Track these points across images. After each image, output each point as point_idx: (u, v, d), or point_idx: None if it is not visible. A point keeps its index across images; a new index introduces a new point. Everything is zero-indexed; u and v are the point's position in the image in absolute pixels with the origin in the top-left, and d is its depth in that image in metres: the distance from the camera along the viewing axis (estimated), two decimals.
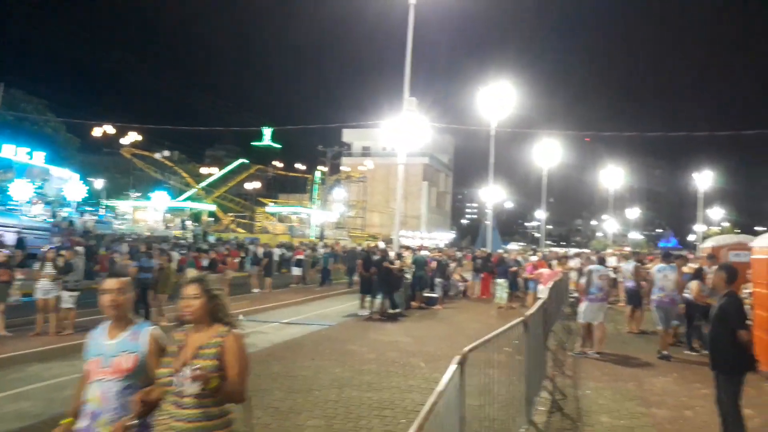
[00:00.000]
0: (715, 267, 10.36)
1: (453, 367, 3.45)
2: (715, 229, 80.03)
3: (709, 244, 12.34)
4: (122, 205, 53.00)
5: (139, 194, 55.69)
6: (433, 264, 18.15)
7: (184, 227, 44.58)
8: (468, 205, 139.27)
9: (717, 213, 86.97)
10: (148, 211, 50.78)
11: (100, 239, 29.15)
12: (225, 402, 2.97)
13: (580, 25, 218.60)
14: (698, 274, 10.81)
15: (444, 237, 73.19)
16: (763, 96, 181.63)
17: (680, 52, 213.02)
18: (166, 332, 3.25)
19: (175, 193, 55.04)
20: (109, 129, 51.09)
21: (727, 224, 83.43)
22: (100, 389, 3.09)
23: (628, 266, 13.95)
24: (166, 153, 57.31)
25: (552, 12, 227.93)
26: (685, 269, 12.12)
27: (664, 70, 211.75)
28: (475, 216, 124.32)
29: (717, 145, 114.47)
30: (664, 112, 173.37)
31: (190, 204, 54.20)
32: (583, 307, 10.55)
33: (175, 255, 20.19)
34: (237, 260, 26.82)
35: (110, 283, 3.23)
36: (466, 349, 3.87)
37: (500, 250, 34.95)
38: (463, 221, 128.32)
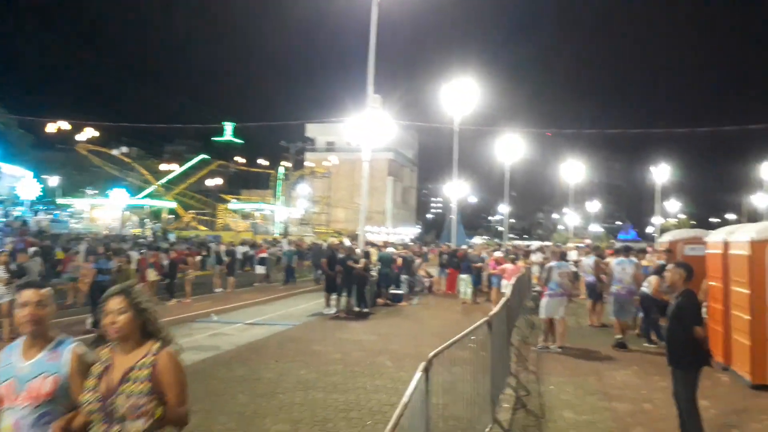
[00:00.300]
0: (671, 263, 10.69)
1: (418, 375, 3.43)
2: (672, 220, 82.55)
3: (666, 238, 12.65)
4: (78, 204, 51.40)
5: (96, 192, 54.17)
6: (399, 261, 18.17)
7: (143, 225, 43.53)
8: (433, 199, 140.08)
9: (674, 205, 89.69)
10: (106, 210, 49.41)
11: (56, 239, 28.21)
12: (166, 428, 2.64)
13: (541, 23, 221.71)
14: (660, 270, 11.10)
15: (409, 232, 73.52)
16: (716, 93, 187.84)
17: (638, 50, 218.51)
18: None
19: (134, 191, 53.70)
20: (64, 125, 49.53)
21: (683, 216, 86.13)
22: (14, 418, 2.70)
23: (589, 261, 14.24)
24: (124, 149, 55.89)
25: (513, 9, 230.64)
26: (644, 262, 12.46)
27: (622, 67, 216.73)
28: (440, 210, 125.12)
29: (673, 140, 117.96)
30: (623, 108, 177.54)
31: (149, 201, 52.96)
32: (543, 302, 10.75)
33: (135, 255, 19.67)
34: (198, 259, 26.39)
35: (28, 294, 2.79)
36: (431, 354, 3.86)
37: (465, 245, 35.32)
38: (429, 216, 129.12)
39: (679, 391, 5.52)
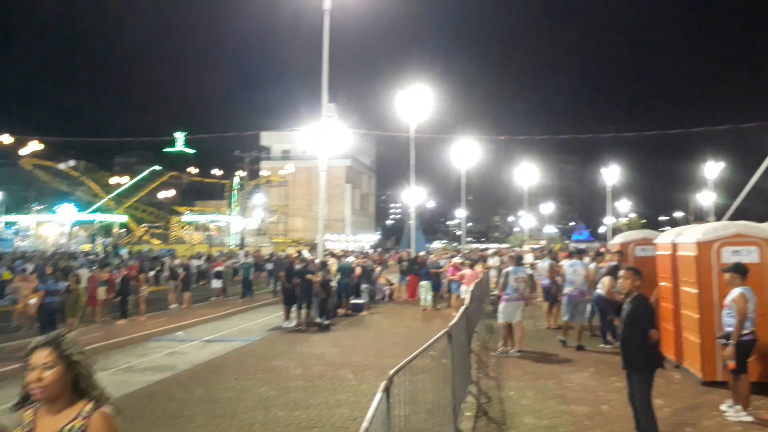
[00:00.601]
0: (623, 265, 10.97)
1: (378, 395, 3.38)
2: (624, 220, 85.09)
3: (618, 240, 12.98)
4: (24, 220, 49.43)
5: (42, 208, 52.19)
6: (359, 270, 18.11)
7: (93, 241, 42.11)
8: (392, 205, 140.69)
9: (624, 205, 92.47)
10: (53, 226, 47.65)
11: (0, 259, 27.04)
12: None
13: (494, 32, 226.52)
14: (614, 271, 11.39)
15: (369, 239, 73.46)
16: (660, 98, 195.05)
17: (586, 58, 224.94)
18: None
19: (83, 205, 51.97)
20: (6, 139, 47.53)
21: (634, 215, 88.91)
22: None
23: (544, 264, 14.50)
24: (71, 163, 53.92)
25: (467, 18, 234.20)
26: (603, 264, 12.79)
27: (572, 74, 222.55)
28: (399, 216, 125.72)
29: (622, 142, 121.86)
30: (573, 111, 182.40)
31: (99, 216, 51.33)
32: (501, 307, 10.86)
33: (84, 273, 19.01)
34: (152, 274, 25.70)
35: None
36: (392, 372, 3.82)
37: (424, 251, 35.51)
38: (388, 222, 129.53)
39: (634, 394, 5.64)
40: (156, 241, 51.03)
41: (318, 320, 14.50)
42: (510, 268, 11.17)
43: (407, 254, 25.76)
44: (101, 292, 16.57)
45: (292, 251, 31.18)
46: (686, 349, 8.52)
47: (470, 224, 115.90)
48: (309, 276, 14.58)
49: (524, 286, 11.14)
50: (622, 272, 6.02)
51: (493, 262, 21.78)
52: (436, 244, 75.46)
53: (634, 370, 5.62)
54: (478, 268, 16.82)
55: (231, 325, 15.84)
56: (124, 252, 34.97)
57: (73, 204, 49.15)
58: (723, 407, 6.74)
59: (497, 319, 11.23)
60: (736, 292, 6.49)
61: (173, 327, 15.10)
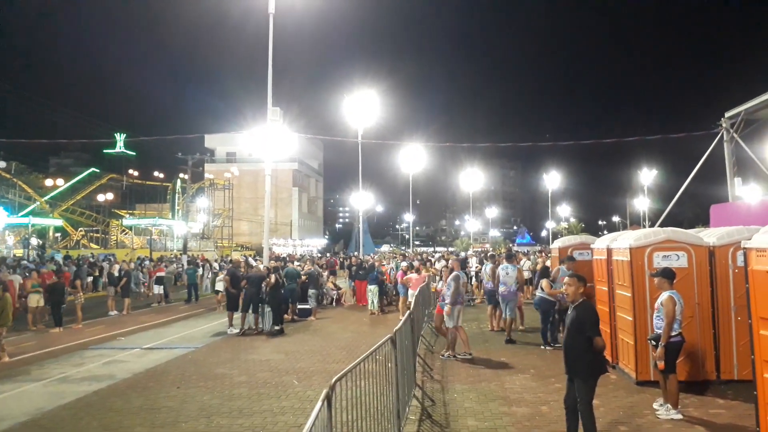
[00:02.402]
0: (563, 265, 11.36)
1: (318, 405, 3.38)
2: (564, 224, 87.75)
3: (557, 244, 13.44)
4: None
5: None
6: (304, 278, 18.00)
7: (26, 246, 40.05)
8: (340, 209, 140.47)
9: (565, 210, 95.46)
10: None
11: None
12: None
13: (437, 38, 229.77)
14: (545, 272, 11.80)
15: (317, 243, 73.05)
16: (599, 107, 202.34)
17: (526, 66, 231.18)
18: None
19: (15, 208, 49.45)
20: None
21: (573, 220, 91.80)
22: None
23: (485, 268, 14.81)
24: (2, 164, 51.11)
25: (412, 25, 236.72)
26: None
27: (513, 83, 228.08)
28: (348, 220, 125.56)
29: (562, 149, 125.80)
30: (516, 119, 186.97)
31: (32, 219, 48.91)
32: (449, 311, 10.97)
33: (17, 278, 18.14)
34: (90, 280, 24.79)
35: None
36: (333, 380, 3.83)
37: (372, 254, 35.59)
38: (337, 225, 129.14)
39: (574, 398, 5.71)
40: (94, 246, 49.08)
41: (276, 328, 14.27)
42: (457, 272, 11.29)
43: (355, 259, 25.74)
44: (32, 299, 15.84)
45: (237, 256, 30.65)
46: (621, 350, 8.89)
47: (418, 228, 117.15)
48: (270, 277, 14.43)
49: (463, 290, 11.42)
50: (566, 279, 6.01)
51: (439, 266, 22.06)
52: (385, 248, 75.80)
53: (577, 376, 5.64)
54: (425, 272, 17.00)
55: (173, 332, 15.43)
56: (58, 257, 33.44)
57: (1, 207, 46.65)
58: (655, 406, 7.06)
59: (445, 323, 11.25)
60: (664, 295, 6.82)
61: (112, 335, 14.59)
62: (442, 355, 10.70)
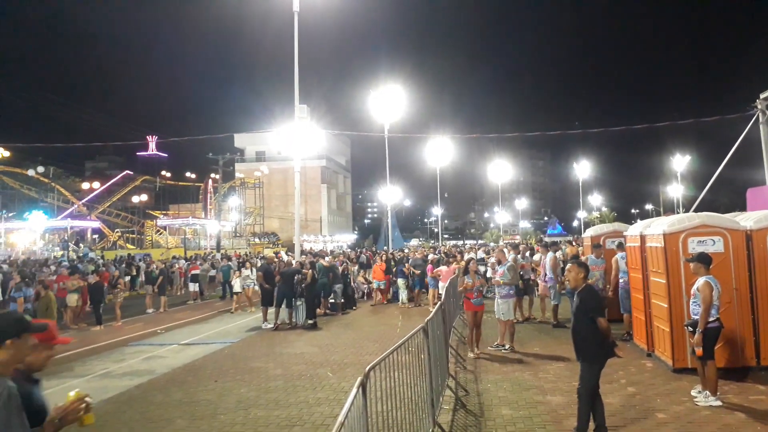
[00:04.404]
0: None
1: (354, 391, 3.44)
2: (596, 213, 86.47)
3: (589, 233, 13.29)
4: None
5: (11, 215, 50.98)
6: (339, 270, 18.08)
7: (66, 248, 41.27)
8: (369, 204, 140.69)
9: (596, 199, 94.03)
10: (24, 233, 46.62)
11: None
12: None
13: (465, 31, 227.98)
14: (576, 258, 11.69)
15: (346, 239, 73.42)
16: (628, 93, 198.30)
17: (556, 56, 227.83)
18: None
19: (54, 212, 50.94)
20: None
21: (605, 209, 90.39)
22: None
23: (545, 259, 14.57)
24: (40, 169, 52.66)
25: (439, 18, 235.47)
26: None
27: (541, 72, 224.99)
28: (376, 215, 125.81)
29: (592, 138, 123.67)
30: (544, 108, 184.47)
31: (71, 222, 50.34)
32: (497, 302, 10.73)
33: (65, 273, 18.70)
34: (127, 279, 25.37)
35: None
36: (368, 367, 3.89)
37: (401, 248, 35.65)
38: (366, 221, 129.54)
39: (581, 380, 5.66)
40: (130, 246, 50.27)
41: (310, 322, 14.46)
42: (511, 263, 11.06)
43: (384, 253, 25.77)
44: (71, 299, 16.33)
45: (269, 253, 31.02)
46: (657, 338, 8.76)
47: (447, 221, 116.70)
48: (306, 270, 14.62)
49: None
50: (568, 266, 6.07)
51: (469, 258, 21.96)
52: (414, 242, 75.77)
53: (584, 360, 5.69)
54: (455, 265, 16.96)
55: (209, 327, 15.75)
56: (92, 256, 34.34)
57: (42, 211, 48.11)
58: (693, 393, 6.96)
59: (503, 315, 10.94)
60: (701, 281, 6.71)
61: (150, 332, 14.96)
62: (491, 347, 10.54)
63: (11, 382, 2.45)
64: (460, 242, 75.84)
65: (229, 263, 24.64)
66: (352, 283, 19.65)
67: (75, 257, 34.79)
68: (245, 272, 18.82)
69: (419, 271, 17.99)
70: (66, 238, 44.17)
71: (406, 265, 18.55)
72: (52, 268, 23.20)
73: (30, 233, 46.53)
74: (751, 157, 17.02)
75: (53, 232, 48.30)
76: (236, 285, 19.03)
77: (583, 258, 11.64)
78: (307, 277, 14.76)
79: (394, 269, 19.20)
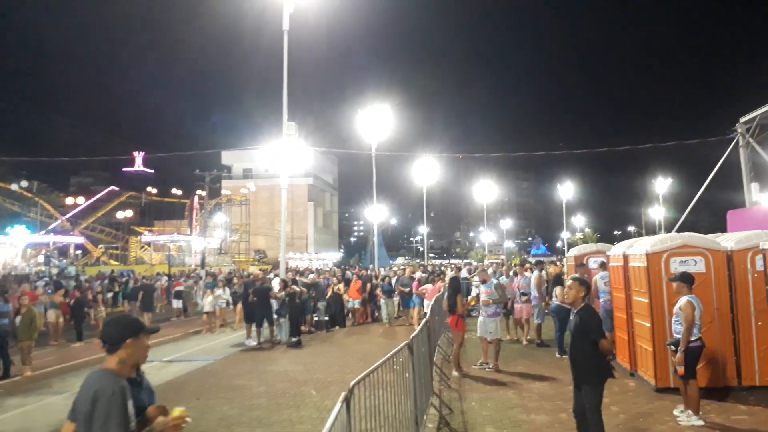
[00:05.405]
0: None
1: (338, 406, 3.44)
2: (579, 234, 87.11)
3: (573, 252, 13.40)
4: None
5: None
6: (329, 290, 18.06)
7: (48, 263, 40.68)
8: (355, 222, 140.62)
9: (580, 220, 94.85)
10: (5, 248, 45.92)
11: None
12: None
13: (451, 52, 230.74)
14: (558, 280, 11.78)
15: (332, 257, 73.21)
16: (612, 115, 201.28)
17: (540, 78, 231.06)
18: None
19: (37, 227, 50.29)
20: None
21: (588, 230, 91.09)
22: None
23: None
24: (24, 183, 52.05)
25: (425, 39, 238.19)
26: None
27: (526, 94, 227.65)
28: (362, 233, 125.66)
29: (576, 159, 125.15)
30: (528, 129, 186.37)
31: (54, 237, 49.71)
32: (479, 321, 10.75)
33: (40, 290, 18.44)
34: (110, 295, 25.03)
35: None
36: (352, 383, 3.89)
37: (386, 267, 35.60)
38: (352, 239, 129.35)
39: (583, 406, 5.53)
40: (114, 262, 49.70)
41: (294, 339, 14.35)
42: (498, 282, 11.09)
43: (366, 272, 25.73)
44: (51, 315, 16.08)
45: (255, 270, 30.81)
46: (639, 357, 8.82)
47: (432, 240, 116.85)
48: (274, 292, 14.55)
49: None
50: (567, 283, 5.96)
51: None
52: (400, 260, 75.74)
53: (585, 382, 5.50)
54: (440, 283, 16.98)
55: (192, 344, 15.57)
56: (73, 271, 33.89)
57: (24, 226, 47.48)
58: (675, 412, 6.99)
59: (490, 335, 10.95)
60: (683, 300, 6.78)
61: None
62: (475, 365, 10.54)
63: (125, 382, 2.58)
64: (446, 261, 75.98)
65: (213, 281, 24.45)
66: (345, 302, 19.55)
67: (55, 272, 34.32)
68: (218, 291, 18.27)
69: (408, 290, 17.95)
70: (49, 253, 43.56)
71: (397, 286, 18.38)
72: (35, 284, 22.84)
73: (11, 248, 45.83)
74: (731, 180, 17.34)
75: (35, 248, 47.62)
76: (207, 304, 18.32)
77: (566, 279, 11.72)
78: (297, 296, 14.71)
79: (378, 289, 19.13)
